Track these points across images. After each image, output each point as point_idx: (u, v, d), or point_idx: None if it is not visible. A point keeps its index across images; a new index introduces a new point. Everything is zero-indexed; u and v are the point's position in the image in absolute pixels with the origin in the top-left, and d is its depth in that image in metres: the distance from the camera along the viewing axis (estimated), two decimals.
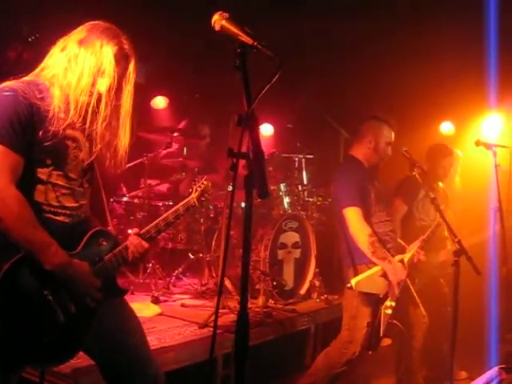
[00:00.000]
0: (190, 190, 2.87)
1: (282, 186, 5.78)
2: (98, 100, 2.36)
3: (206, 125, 6.92)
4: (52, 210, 2.30)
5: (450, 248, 4.57)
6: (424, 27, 6.43)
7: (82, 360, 2.92)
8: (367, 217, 4.00)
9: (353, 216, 3.95)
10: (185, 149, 6.19)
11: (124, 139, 2.48)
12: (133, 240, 2.51)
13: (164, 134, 6.11)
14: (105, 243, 2.45)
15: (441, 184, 5.04)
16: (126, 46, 2.41)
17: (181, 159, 6.15)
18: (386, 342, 4.09)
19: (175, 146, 6.19)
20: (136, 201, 5.83)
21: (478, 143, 4.76)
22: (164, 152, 6.11)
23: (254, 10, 6.09)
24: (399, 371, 4.31)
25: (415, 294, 4.21)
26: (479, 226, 5.08)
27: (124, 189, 6.02)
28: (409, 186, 4.87)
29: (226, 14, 1.94)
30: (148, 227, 2.59)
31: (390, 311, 3.92)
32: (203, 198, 2.87)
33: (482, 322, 4.83)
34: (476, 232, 4.98)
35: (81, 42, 2.34)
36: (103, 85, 2.35)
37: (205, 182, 2.89)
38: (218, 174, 5.89)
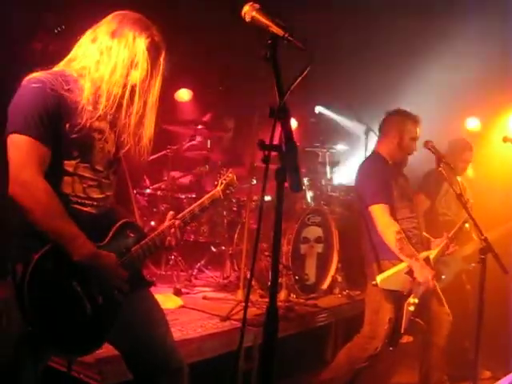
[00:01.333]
0: (216, 183, 2.87)
1: (306, 181, 5.77)
2: (131, 92, 2.36)
3: (232, 118, 6.91)
4: (79, 201, 2.31)
5: (475, 241, 4.53)
6: (450, 22, 6.35)
7: (106, 350, 2.93)
8: (392, 214, 3.96)
9: (380, 213, 3.92)
10: (208, 142, 6.19)
11: (149, 128, 2.48)
12: (172, 224, 2.55)
13: (188, 126, 6.12)
14: (132, 235, 2.45)
15: (459, 178, 4.96)
16: (157, 38, 2.41)
17: (204, 152, 6.15)
18: (408, 338, 4.06)
19: (199, 139, 6.20)
20: (159, 193, 5.85)
21: (505, 139, 4.68)
22: (187, 144, 6.12)
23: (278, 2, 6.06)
24: (423, 369, 4.27)
25: (440, 291, 4.16)
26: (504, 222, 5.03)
27: (147, 181, 6.03)
28: (431, 181, 4.85)
29: (257, 5, 1.93)
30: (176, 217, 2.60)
31: (412, 308, 3.89)
32: (228, 191, 2.86)
33: (508, 321, 4.77)
34: (498, 225, 4.93)
35: (113, 34, 2.33)
36: (136, 77, 2.35)
37: (230, 175, 2.89)
38: (242, 167, 5.88)
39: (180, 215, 2.62)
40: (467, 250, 4.73)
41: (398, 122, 4.21)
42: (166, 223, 2.57)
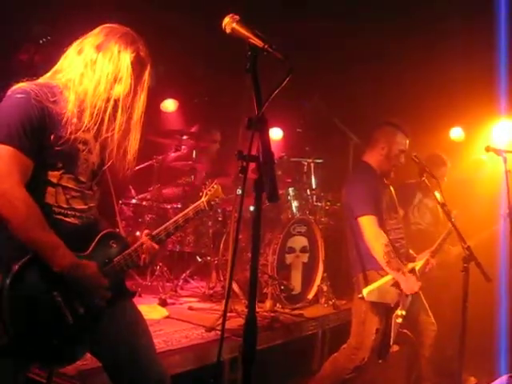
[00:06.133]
0: (200, 194, 2.86)
1: (291, 191, 5.78)
2: (114, 106, 2.36)
3: (217, 129, 6.92)
4: (62, 211, 2.30)
5: (450, 248, 4.62)
6: (434, 33, 6.41)
7: (88, 362, 2.93)
8: (381, 225, 3.97)
9: (368, 225, 3.91)
10: (194, 152, 6.20)
11: (134, 143, 2.48)
12: (144, 241, 2.51)
13: (173, 136, 6.13)
14: (115, 245, 2.45)
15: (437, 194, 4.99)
16: (142, 53, 2.41)
17: (190, 162, 6.15)
18: (394, 348, 4.07)
19: (184, 150, 6.20)
20: (145, 203, 5.84)
21: (488, 149, 4.71)
22: (173, 155, 6.12)
23: (265, 10, 6.12)
24: (412, 379, 4.28)
25: (425, 302, 4.17)
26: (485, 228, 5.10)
27: (133, 191, 6.03)
28: (403, 192, 4.92)
29: (237, 17, 1.94)
30: (158, 230, 2.59)
31: (400, 320, 3.90)
32: (213, 202, 2.85)
33: (491, 329, 4.79)
34: (480, 231, 5.00)
35: (98, 47, 2.34)
36: (119, 91, 2.35)
37: (215, 186, 2.88)
38: (227, 178, 5.87)
39: (164, 225, 2.61)
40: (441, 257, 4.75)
41: (388, 133, 4.19)
42: (139, 242, 2.52)
